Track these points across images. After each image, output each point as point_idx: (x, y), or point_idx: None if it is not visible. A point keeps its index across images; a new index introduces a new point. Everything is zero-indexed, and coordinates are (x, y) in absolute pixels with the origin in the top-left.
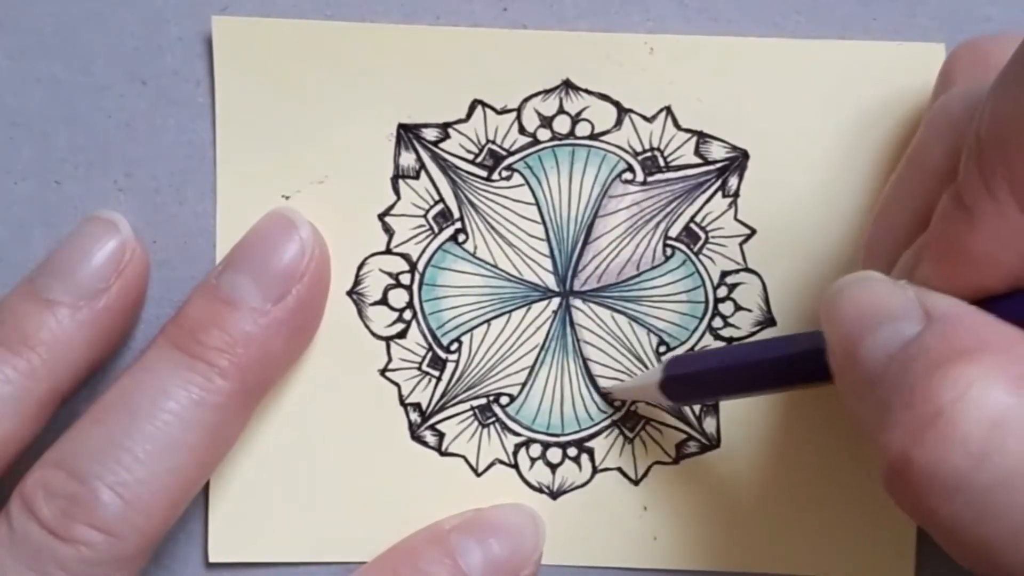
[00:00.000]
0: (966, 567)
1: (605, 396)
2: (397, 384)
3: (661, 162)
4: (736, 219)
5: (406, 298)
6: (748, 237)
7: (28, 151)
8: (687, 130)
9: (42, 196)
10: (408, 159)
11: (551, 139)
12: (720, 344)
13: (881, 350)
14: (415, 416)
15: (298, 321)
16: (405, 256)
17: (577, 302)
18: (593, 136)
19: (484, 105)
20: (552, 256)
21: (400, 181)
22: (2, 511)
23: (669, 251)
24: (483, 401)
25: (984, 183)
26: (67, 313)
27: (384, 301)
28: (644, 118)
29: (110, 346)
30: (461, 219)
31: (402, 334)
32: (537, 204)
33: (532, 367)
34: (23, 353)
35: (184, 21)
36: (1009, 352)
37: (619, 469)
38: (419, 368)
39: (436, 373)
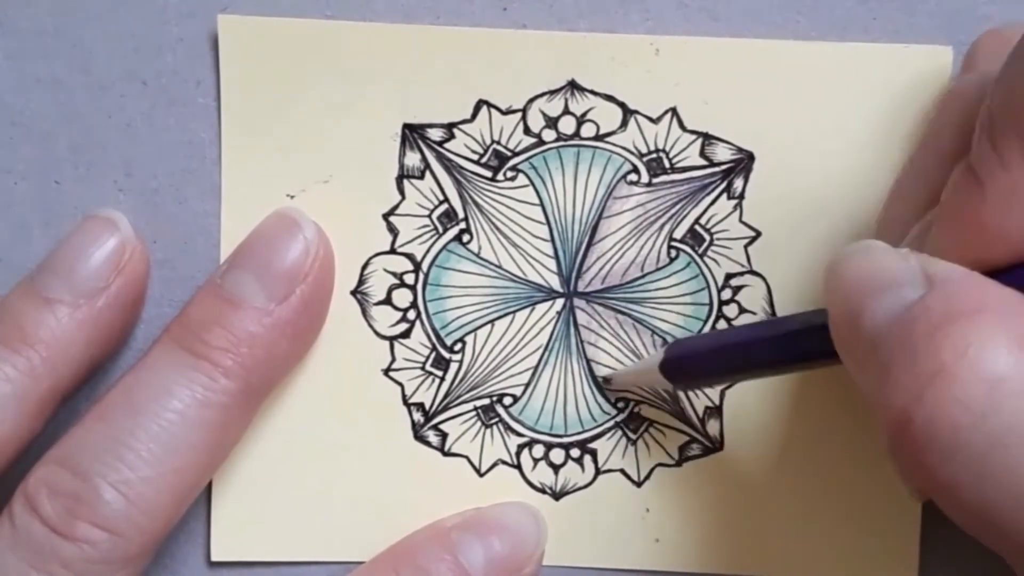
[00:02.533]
0: (968, 531)
1: (605, 384)
2: (400, 384)
3: (666, 163)
4: (741, 221)
5: (410, 298)
6: (753, 239)
7: (28, 151)
8: (692, 131)
9: (42, 196)
10: (413, 159)
11: (556, 140)
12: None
13: (883, 315)
14: (418, 416)
15: (302, 321)
16: (409, 256)
17: (581, 303)
18: (598, 137)
19: (489, 105)
20: (556, 257)
21: (405, 181)
22: (5, 509)
23: (674, 253)
24: (486, 401)
25: (996, 154)
26: (67, 312)
27: (388, 301)
28: (649, 119)
29: (110, 344)
30: (466, 219)
31: (406, 334)
32: (542, 205)
33: (535, 368)
34: (23, 351)
35: (185, 21)
36: (1010, 313)
37: (622, 471)
38: (423, 368)
39: (439, 373)
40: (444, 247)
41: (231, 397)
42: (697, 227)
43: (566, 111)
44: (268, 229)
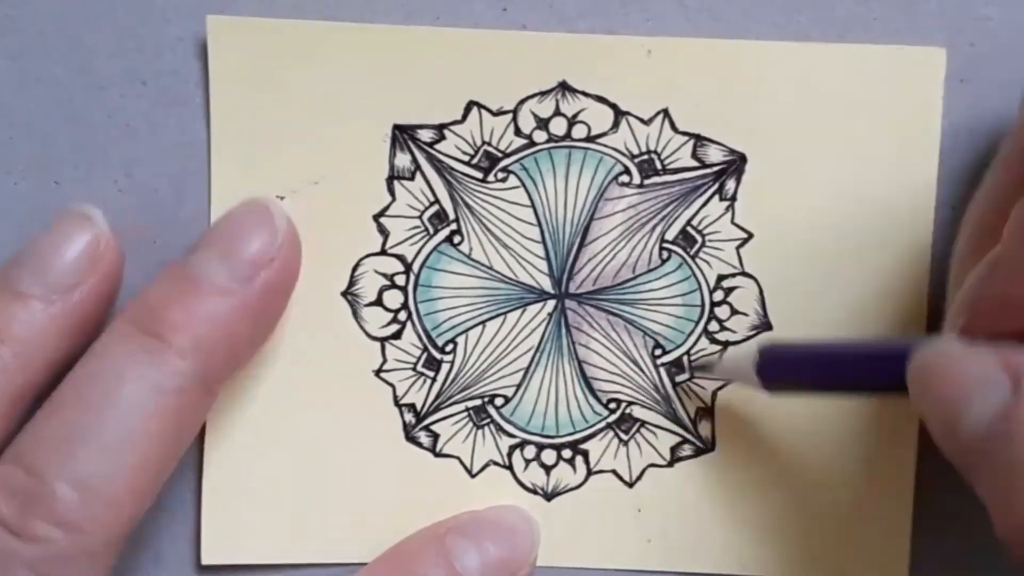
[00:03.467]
0: None
1: (700, 372)
2: (392, 385)
3: (658, 165)
4: (733, 223)
5: (401, 299)
6: (745, 241)
7: (28, 151)
8: (684, 133)
9: (42, 196)
10: (403, 160)
11: (547, 141)
12: (715, 348)
13: (977, 425)
14: (409, 417)
15: (264, 305)
16: (400, 257)
17: (572, 304)
18: (590, 138)
19: (480, 106)
20: (547, 258)
21: (395, 182)
22: None
23: (665, 254)
24: (478, 402)
25: None
26: (40, 307)
27: (379, 302)
28: (641, 120)
29: (85, 340)
30: (456, 221)
31: (397, 335)
32: (533, 206)
33: (527, 369)
34: None
35: (184, 21)
36: None
37: (613, 471)
38: (414, 369)
39: (431, 374)
40: (435, 248)
41: (187, 380)
42: (689, 229)
43: (557, 112)
44: (238, 213)
